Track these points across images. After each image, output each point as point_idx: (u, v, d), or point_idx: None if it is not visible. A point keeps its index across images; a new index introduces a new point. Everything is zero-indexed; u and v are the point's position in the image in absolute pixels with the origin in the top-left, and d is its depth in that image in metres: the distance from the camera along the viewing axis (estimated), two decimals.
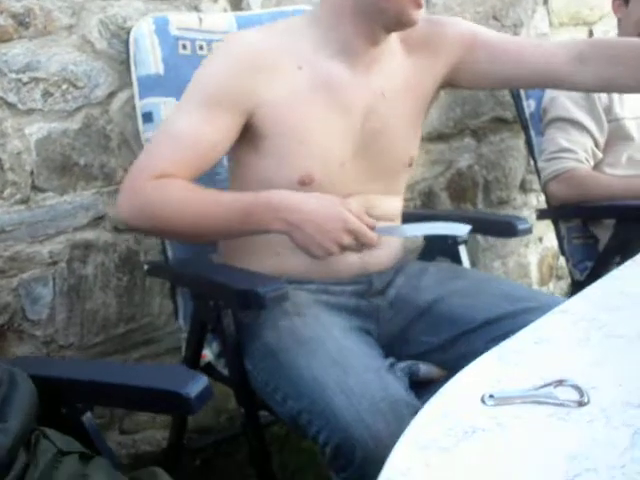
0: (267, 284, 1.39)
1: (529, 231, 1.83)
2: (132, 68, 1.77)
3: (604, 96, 2.41)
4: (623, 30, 2.57)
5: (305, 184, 1.51)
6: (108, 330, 1.99)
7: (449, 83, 1.76)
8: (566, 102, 2.40)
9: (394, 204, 1.70)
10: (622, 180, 2.37)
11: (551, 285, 3.26)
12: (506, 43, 1.77)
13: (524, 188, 2.98)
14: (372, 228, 1.39)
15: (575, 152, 2.38)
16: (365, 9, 1.53)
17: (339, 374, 1.29)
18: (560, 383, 0.87)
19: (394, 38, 1.63)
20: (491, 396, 0.85)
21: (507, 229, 1.85)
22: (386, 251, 1.63)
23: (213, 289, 1.55)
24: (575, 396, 0.85)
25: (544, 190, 2.48)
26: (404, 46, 1.66)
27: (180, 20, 1.84)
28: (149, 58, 1.77)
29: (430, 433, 0.81)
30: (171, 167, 1.46)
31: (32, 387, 1.04)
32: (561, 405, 0.84)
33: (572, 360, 0.95)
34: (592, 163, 2.42)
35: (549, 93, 2.47)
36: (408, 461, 0.77)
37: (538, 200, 2.95)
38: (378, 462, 0.78)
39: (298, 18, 1.69)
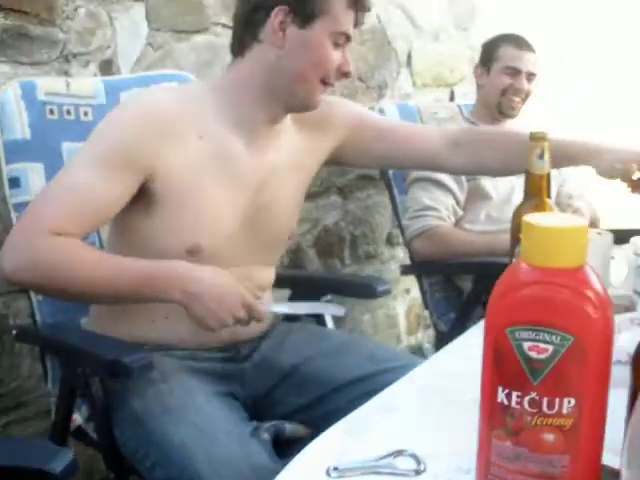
0: (133, 354, 1.41)
1: (388, 292, 1.91)
2: None
3: None
4: (483, 96, 2.75)
5: (192, 254, 1.53)
6: None
7: (334, 160, 1.84)
8: None
9: (269, 275, 1.76)
10: (482, 237, 2.50)
11: (419, 334, 3.37)
12: (390, 126, 1.89)
13: (391, 242, 3.09)
14: None
15: (438, 210, 2.50)
16: (274, 89, 1.58)
17: (205, 442, 1.32)
18: (400, 453, 0.94)
19: (288, 116, 1.68)
20: (335, 468, 0.90)
21: (367, 291, 1.93)
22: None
23: (80, 357, 1.56)
24: (413, 465, 0.92)
25: (408, 247, 2.59)
26: (296, 124, 1.72)
27: (47, 85, 1.83)
28: (15, 123, 1.74)
29: None
30: (65, 222, 1.44)
31: None
32: (400, 475, 0.90)
33: (414, 428, 1.02)
34: (453, 220, 2.55)
35: None
36: None
37: (405, 253, 3.05)
38: None
39: (202, 85, 1.71)
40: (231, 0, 2.23)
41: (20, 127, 1.76)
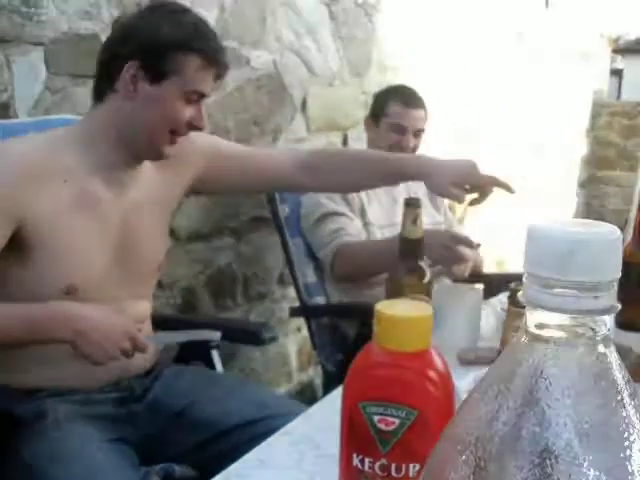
0: (25, 403, 1.45)
1: (274, 339, 1.99)
2: None
3: (356, 198, 2.67)
4: (373, 148, 2.86)
5: (69, 293, 1.60)
6: None
7: (195, 190, 1.94)
8: (321, 199, 2.63)
9: (144, 308, 1.82)
10: (388, 240, 2.51)
11: (310, 371, 3.45)
12: (246, 154, 2.01)
13: (282, 281, 3.17)
14: None
15: (343, 229, 2.59)
16: (127, 137, 1.66)
17: None
18: None
19: None
20: None
21: (253, 338, 2.00)
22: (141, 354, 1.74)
23: None
24: None
25: (333, 277, 2.67)
26: (154, 162, 1.79)
27: None
28: None
29: None
30: None
31: None
32: None
33: None
34: (364, 237, 2.65)
35: (305, 200, 2.71)
36: None
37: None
38: None
39: (63, 131, 1.76)
40: None
41: None
